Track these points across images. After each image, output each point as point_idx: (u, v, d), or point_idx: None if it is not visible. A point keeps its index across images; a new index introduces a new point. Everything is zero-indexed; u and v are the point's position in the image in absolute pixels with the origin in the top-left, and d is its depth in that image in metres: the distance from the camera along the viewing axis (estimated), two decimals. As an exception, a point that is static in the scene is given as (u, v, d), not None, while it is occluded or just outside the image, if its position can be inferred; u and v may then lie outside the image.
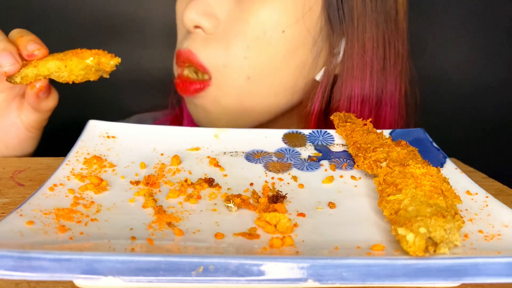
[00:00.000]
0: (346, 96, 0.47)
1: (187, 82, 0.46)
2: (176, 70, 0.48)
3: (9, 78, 0.38)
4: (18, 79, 0.38)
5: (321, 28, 0.45)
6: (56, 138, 0.54)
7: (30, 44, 0.38)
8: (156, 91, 0.59)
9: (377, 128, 0.39)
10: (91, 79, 0.40)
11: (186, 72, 0.47)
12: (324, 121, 0.49)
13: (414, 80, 0.53)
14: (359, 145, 0.35)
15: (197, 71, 0.46)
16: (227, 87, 0.45)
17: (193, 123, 0.54)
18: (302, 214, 0.29)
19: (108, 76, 0.40)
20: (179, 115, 0.57)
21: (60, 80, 0.39)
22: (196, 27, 0.45)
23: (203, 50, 0.45)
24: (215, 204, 0.30)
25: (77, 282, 0.23)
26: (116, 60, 0.39)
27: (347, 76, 0.46)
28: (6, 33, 0.39)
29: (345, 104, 0.47)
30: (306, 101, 0.48)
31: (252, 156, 0.37)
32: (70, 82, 0.39)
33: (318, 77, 0.47)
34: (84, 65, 0.38)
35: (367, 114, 0.48)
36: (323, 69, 0.47)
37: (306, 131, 0.40)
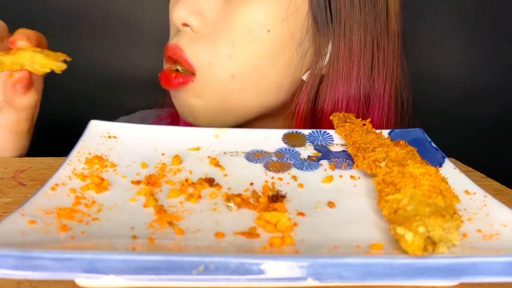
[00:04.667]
0: (331, 97, 0.47)
1: (170, 76, 0.46)
2: (164, 65, 0.49)
3: None
4: None
5: (307, 29, 0.45)
6: (58, 138, 0.55)
7: (17, 34, 0.38)
8: (157, 90, 0.59)
9: None
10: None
11: (171, 68, 0.47)
12: (310, 125, 0.49)
13: (406, 83, 0.53)
14: (358, 145, 0.36)
15: (183, 68, 0.46)
16: (210, 84, 0.45)
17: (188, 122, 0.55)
18: (301, 214, 0.29)
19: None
20: (175, 114, 0.58)
21: (35, 72, 0.39)
22: (185, 25, 0.45)
23: (190, 47, 0.45)
24: (216, 203, 0.30)
25: (78, 281, 0.23)
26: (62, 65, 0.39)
27: (333, 77, 0.46)
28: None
29: (330, 105, 0.47)
30: (291, 102, 0.48)
31: (252, 156, 0.37)
32: (40, 74, 0.39)
33: (304, 77, 0.47)
34: (51, 64, 0.38)
35: (353, 112, 0.47)
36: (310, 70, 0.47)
37: (306, 131, 0.40)
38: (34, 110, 0.43)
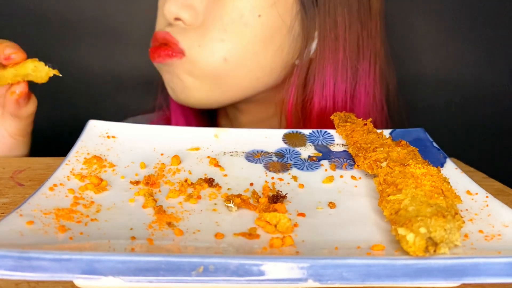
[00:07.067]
0: (319, 78, 0.48)
1: (159, 48, 0.47)
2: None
3: None
4: None
5: (296, 13, 0.46)
6: (56, 138, 0.54)
7: (7, 48, 0.39)
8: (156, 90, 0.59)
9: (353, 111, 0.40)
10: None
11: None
12: (301, 117, 0.50)
13: (389, 63, 0.54)
14: (359, 145, 0.35)
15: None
16: (200, 65, 0.46)
17: (180, 123, 0.55)
18: (302, 214, 0.29)
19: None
20: (168, 116, 0.58)
21: (37, 80, 0.39)
22: (177, 19, 0.46)
23: (180, 36, 0.46)
24: (215, 204, 0.30)
25: (77, 282, 0.23)
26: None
27: (320, 59, 0.48)
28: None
29: (319, 86, 0.48)
30: (283, 86, 0.50)
31: (252, 156, 0.37)
32: (43, 82, 0.40)
33: (297, 61, 0.49)
34: (51, 72, 0.40)
35: (342, 98, 0.49)
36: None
37: (306, 131, 0.40)
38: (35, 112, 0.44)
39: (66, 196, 0.29)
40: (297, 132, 0.40)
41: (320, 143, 0.39)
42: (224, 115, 0.58)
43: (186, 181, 0.32)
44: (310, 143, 0.39)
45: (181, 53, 0.46)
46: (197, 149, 0.37)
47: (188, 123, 0.56)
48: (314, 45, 0.48)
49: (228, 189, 0.32)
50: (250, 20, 0.45)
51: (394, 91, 0.55)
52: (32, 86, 0.42)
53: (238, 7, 0.44)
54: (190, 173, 0.34)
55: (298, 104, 0.49)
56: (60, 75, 0.40)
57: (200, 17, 0.46)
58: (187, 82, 0.48)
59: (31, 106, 0.42)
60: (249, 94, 0.49)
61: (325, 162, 0.36)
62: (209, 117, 0.59)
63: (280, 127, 0.52)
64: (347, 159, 0.37)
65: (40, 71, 0.39)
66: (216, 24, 0.45)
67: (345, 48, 0.48)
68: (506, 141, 0.73)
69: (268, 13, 0.45)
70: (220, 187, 0.32)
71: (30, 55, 0.43)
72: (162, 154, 0.36)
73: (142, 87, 0.72)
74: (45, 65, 0.39)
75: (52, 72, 0.39)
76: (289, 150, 0.38)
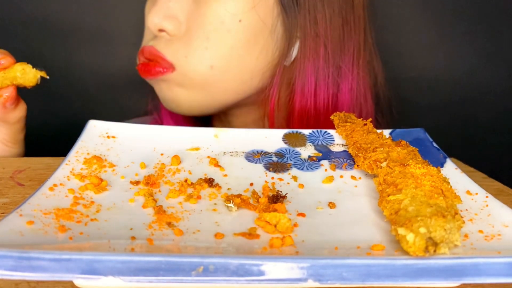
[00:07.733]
0: (300, 77, 0.48)
1: (149, 65, 0.47)
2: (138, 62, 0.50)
3: None
4: None
5: (277, 14, 0.47)
6: (56, 138, 0.54)
7: None
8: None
9: (336, 110, 0.40)
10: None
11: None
12: (285, 117, 0.50)
13: (376, 55, 0.54)
14: (359, 145, 0.35)
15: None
16: (190, 75, 0.46)
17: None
18: (302, 214, 0.29)
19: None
20: (158, 121, 0.58)
21: (26, 83, 0.40)
22: (161, 30, 0.46)
23: (166, 49, 0.46)
24: (215, 204, 0.30)
25: (77, 282, 0.23)
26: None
27: (302, 57, 0.48)
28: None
29: (300, 84, 0.48)
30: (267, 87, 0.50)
31: (252, 156, 0.37)
32: (32, 86, 0.40)
33: (287, 62, 0.49)
34: (39, 74, 0.40)
35: (324, 95, 0.49)
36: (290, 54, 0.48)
37: (306, 131, 0.40)
38: (24, 118, 0.44)
39: (66, 196, 0.29)
40: (297, 132, 0.40)
41: (320, 143, 0.39)
42: (217, 119, 0.58)
43: (186, 181, 0.32)
44: (310, 143, 0.39)
45: (171, 67, 0.46)
46: (197, 149, 0.37)
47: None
48: (297, 45, 0.48)
49: (228, 189, 0.32)
50: (231, 26, 0.45)
51: (382, 83, 0.55)
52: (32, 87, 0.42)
53: (219, 14, 0.45)
54: (190, 173, 0.34)
55: (282, 105, 0.49)
56: (47, 77, 0.40)
57: (183, 26, 0.46)
58: (177, 93, 0.48)
59: (19, 111, 0.42)
60: (238, 98, 0.49)
61: (325, 162, 0.36)
62: (201, 121, 0.59)
63: (264, 127, 0.52)
64: (347, 159, 0.37)
65: (28, 74, 0.40)
66: (199, 33, 0.45)
67: (326, 44, 0.48)
68: (506, 141, 0.73)
69: (248, 17, 0.45)
70: (220, 187, 0.32)
71: (28, 57, 0.43)
72: (162, 154, 0.36)
73: (142, 87, 0.72)
74: (33, 67, 0.40)
75: (39, 73, 0.40)
76: (289, 150, 0.38)
